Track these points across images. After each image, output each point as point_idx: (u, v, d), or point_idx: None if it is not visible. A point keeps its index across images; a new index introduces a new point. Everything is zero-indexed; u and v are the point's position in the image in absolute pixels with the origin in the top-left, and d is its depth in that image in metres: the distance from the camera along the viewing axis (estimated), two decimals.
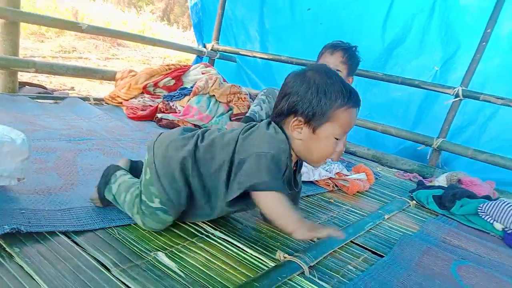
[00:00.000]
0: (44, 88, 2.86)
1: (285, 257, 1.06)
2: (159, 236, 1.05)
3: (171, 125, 2.40)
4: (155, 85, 2.72)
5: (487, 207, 1.70)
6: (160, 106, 2.52)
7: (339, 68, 1.97)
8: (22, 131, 1.09)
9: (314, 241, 1.21)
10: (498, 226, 1.67)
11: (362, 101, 3.32)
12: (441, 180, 2.13)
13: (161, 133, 1.14)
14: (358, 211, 1.60)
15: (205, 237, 1.10)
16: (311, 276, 1.01)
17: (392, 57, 3.05)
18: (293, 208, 0.95)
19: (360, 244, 1.29)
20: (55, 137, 1.69)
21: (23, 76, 3.44)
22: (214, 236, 1.12)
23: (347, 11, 3.17)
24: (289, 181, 1.08)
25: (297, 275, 1.00)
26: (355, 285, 1.00)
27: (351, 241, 1.29)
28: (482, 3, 2.62)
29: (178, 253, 0.99)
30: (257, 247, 1.10)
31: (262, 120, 1.99)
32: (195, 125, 2.49)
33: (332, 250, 1.18)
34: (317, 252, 1.12)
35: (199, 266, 0.95)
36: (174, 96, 2.61)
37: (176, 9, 12.88)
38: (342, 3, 3.19)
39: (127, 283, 0.81)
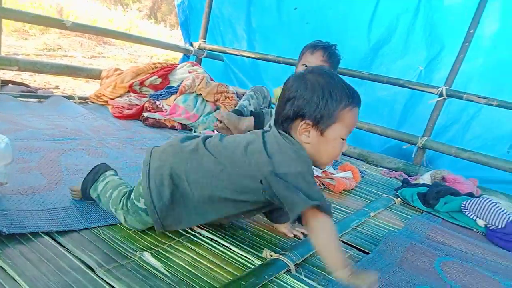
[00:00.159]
0: (28, 86, 2.81)
1: (271, 255, 1.06)
2: (145, 236, 1.05)
3: (157, 124, 2.38)
4: (141, 84, 2.70)
5: (470, 204, 1.73)
6: (146, 105, 2.50)
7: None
8: (4, 131, 1.07)
9: (300, 239, 1.22)
10: (481, 222, 1.70)
11: None
12: (426, 178, 2.17)
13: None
14: (344, 209, 1.62)
15: (191, 237, 1.10)
16: (297, 274, 1.02)
17: (378, 56, 3.08)
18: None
19: (346, 241, 1.30)
20: (39, 137, 1.66)
21: (6, 74, 3.38)
22: (201, 235, 1.12)
23: (334, 10, 3.19)
24: None
25: (284, 273, 1.01)
26: (341, 282, 1.01)
27: None
28: (465, 4, 2.67)
29: (164, 252, 0.98)
30: (243, 246, 1.10)
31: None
32: (182, 124, 2.48)
33: None
34: (303, 250, 1.12)
35: (185, 266, 0.94)
36: (161, 95, 2.60)
37: (163, 7, 12.76)
38: (329, 3, 3.21)
39: (112, 283, 0.80)
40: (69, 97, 2.53)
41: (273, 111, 1.86)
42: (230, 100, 2.66)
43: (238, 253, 1.06)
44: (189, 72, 2.86)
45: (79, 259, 0.87)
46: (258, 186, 0.96)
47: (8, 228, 0.89)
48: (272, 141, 1.00)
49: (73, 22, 2.69)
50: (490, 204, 1.69)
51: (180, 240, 1.06)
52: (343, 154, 2.80)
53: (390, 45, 3.03)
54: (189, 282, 0.88)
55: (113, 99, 2.60)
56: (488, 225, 1.67)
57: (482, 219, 1.69)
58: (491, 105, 2.38)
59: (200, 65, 3.35)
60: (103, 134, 1.95)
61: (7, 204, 1.02)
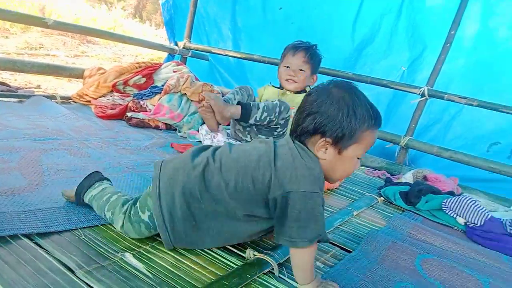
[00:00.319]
0: (8, 85, 2.74)
1: (254, 255, 1.06)
2: (126, 237, 1.04)
3: (141, 124, 2.36)
4: (125, 83, 2.67)
5: (450, 203, 1.77)
6: (130, 104, 2.48)
7: (303, 68, 2.01)
8: None
9: None
10: (461, 220, 1.73)
11: None
12: (408, 177, 2.20)
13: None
14: (328, 208, 1.63)
15: None
16: (280, 275, 1.02)
17: (362, 57, 3.12)
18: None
19: (330, 240, 1.31)
20: (19, 137, 1.63)
21: None
22: None
23: (318, 10, 3.21)
24: None
25: (267, 273, 1.01)
26: None
27: None
28: (447, 5, 2.72)
29: (146, 253, 0.98)
30: (227, 246, 1.10)
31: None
32: (166, 124, 2.46)
33: None
34: (286, 249, 1.13)
35: (168, 266, 0.94)
36: (145, 94, 2.57)
37: (148, 6, 12.64)
38: (313, 3, 3.23)
39: (92, 285, 0.80)
40: (51, 97, 2.49)
41: (261, 104, 1.85)
42: None
43: (221, 254, 1.06)
44: (174, 71, 2.84)
45: (59, 261, 0.86)
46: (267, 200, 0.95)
47: None
48: (285, 154, 0.96)
49: (54, 20, 2.64)
50: (470, 202, 1.73)
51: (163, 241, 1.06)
52: None
53: (374, 45, 3.06)
54: (171, 282, 0.88)
55: (96, 98, 2.56)
56: (468, 223, 1.71)
57: (462, 217, 1.73)
58: (471, 105, 2.43)
59: (185, 64, 3.33)
60: (85, 134, 1.92)
61: None
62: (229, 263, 1.02)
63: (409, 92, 2.65)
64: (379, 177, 2.47)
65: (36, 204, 1.09)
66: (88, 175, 1.15)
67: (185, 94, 2.58)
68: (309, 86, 2.15)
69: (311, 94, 0.99)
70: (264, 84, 2.27)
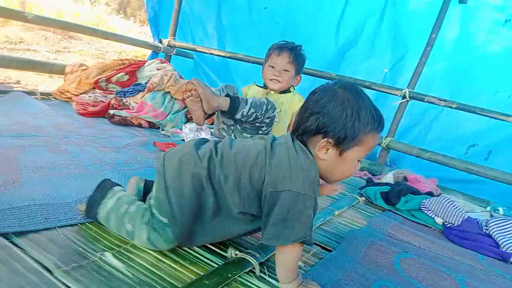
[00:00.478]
0: None
1: (236, 254, 1.06)
2: (107, 236, 1.02)
3: (123, 122, 2.33)
4: (108, 80, 2.64)
5: (429, 203, 1.81)
6: (112, 102, 2.45)
7: (287, 68, 2.02)
8: None
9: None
10: (439, 220, 1.78)
11: None
12: (389, 177, 2.24)
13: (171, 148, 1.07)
14: None
15: None
16: (261, 274, 1.02)
17: (345, 58, 3.16)
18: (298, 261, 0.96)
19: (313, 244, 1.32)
20: None
21: None
22: None
23: (303, 11, 3.23)
24: None
25: (248, 272, 1.01)
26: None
27: None
28: (428, 9, 2.77)
29: (126, 253, 0.97)
30: (208, 245, 1.10)
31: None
32: (149, 122, 2.44)
33: None
34: (268, 249, 1.13)
35: (148, 266, 0.93)
36: (128, 92, 2.55)
37: (133, 2, 12.47)
38: (298, 4, 3.25)
39: (70, 285, 0.78)
40: (30, 93, 2.43)
41: (249, 100, 1.83)
42: None
43: (202, 253, 1.06)
44: (158, 69, 2.82)
45: (36, 261, 0.84)
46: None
47: None
48: (282, 153, 0.94)
49: (35, 14, 2.58)
50: (448, 202, 1.77)
51: None
52: None
53: (357, 47, 3.11)
54: (151, 282, 0.87)
55: (77, 95, 2.52)
56: (446, 223, 1.75)
57: (440, 217, 1.77)
58: (451, 107, 2.49)
59: (169, 62, 3.31)
60: (65, 131, 1.89)
61: None
62: (210, 262, 1.02)
63: (391, 94, 2.69)
64: (360, 177, 2.50)
65: (12, 202, 1.06)
66: (98, 185, 1.09)
67: (169, 92, 2.56)
68: (293, 86, 2.16)
69: (315, 93, 0.98)
70: (249, 83, 2.27)
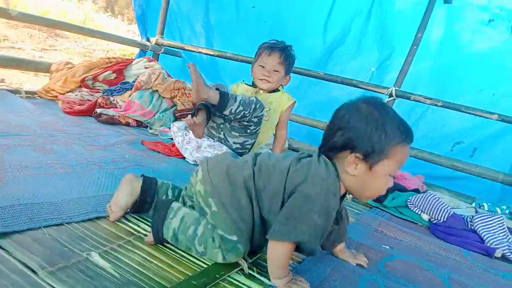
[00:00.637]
0: None
1: None
2: (93, 236, 1.01)
3: (111, 121, 2.31)
4: (94, 78, 2.61)
5: (415, 200, 1.83)
6: (99, 100, 2.42)
7: (277, 69, 2.02)
8: None
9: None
10: (425, 216, 1.80)
11: (305, 99, 3.43)
12: None
13: (205, 160, 1.08)
14: None
15: (142, 236, 1.08)
16: (250, 272, 1.03)
17: (333, 57, 3.17)
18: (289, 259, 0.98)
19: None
20: None
21: None
22: None
23: (291, 11, 3.24)
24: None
25: (237, 271, 1.01)
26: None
27: None
28: (414, 8, 2.81)
29: (113, 252, 0.96)
30: None
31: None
32: (137, 121, 2.42)
33: None
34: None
35: (135, 266, 0.93)
36: (115, 90, 2.52)
37: (120, 0, 12.34)
38: (286, 3, 3.26)
39: (55, 285, 0.77)
40: (15, 91, 2.39)
41: (238, 97, 1.81)
42: (188, 97, 2.63)
43: (191, 253, 1.05)
44: (146, 67, 2.80)
45: (20, 262, 0.83)
46: None
47: None
48: (304, 162, 0.98)
49: (19, 11, 2.54)
50: (434, 199, 1.79)
51: (131, 239, 1.04)
52: (299, 151, 2.88)
53: (345, 46, 3.13)
54: (139, 282, 0.87)
55: (63, 94, 2.49)
56: (432, 219, 1.78)
57: (426, 213, 1.80)
58: (436, 105, 2.53)
59: (157, 61, 3.29)
60: (51, 130, 1.86)
61: None
62: (198, 262, 1.01)
63: (378, 92, 2.72)
64: None
65: None
66: (155, 208, 1.08)
67: (157, 90, 2.54)
68: (282, 85, 2.17)
69: (340, 110, 0.98)
70: (237, 81, 2.27)
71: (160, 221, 1.03)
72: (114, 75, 2.69)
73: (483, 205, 2.22)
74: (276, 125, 2.14)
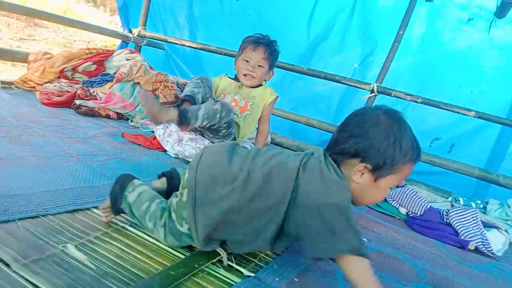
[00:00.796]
0: None
1: None
2: (69, 228, 1.00)
3: (90, 113, 2.27)
4: (74, 69, 2.55)
5: (394, 194, 1.87)
6: (79, 92, 2.37)
7: (262, 64, 2.01)
8: None
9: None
10: (403, 210, 1.84)
11: (289, 94, 3.42)
12: None
13: (204, 148, 1.06)
14: None
15: (120, 228, 1.07)
16: (229, 262, 1.03)
17: (316, 52, 3.19)
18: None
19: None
20: None
21: None
22: (131, 226, 1.09)
23: (275, 5, 3.24)
24: None
25: (215, 262, 1.01)
26: (270, 268, 1.04)
27: None
28: (397, 5, 2.84)
29: (89, 244, 0.95)
30: None
31: (202, 102, 1.89)
32: (117, 113, 2.38)
33: None
34: None
35: (112, 257, 0.92)
36: (95, 82, 2.48)
37: None
38: None
39: (28, 278, 0.76)
40: None
41: (200, 113, 1.72)
42: (170, 89, 2.60)
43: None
44: (127, 59, 2.75)
45: None
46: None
47: None
48: (314, 168, 0.95)
49: None
50: (412, 193, 1.83)
51: (108, 231, 1.03)
52: (282, 146, 2.89)
53: (328, 42, 3.14)
54: (115, 274, 0.86)
55: (41, 84, 2.43)
56: (409, 213, 1.81)
57: (404, 207, 1.83)
58: (416, 102, 2.57)
59: (140, 53, 3.24)
60: (28, 121, 1.82)
61: None
62: (177, 253, 1.01)
63: (360, 88, 2.75)
64: None
65: None
66: (116, 179, 1.08)
67: (139, 83, 2.51)
68: (265, 80, 2.16)
69: (357, 116, 0.97)
70: (220, 75, 2.26)
71: (118, 191, 1.05)
72: (95, 66, 2.64)
73: (459, 200, 2.28)
74: (259, 119, 2.14)
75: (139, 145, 1.94)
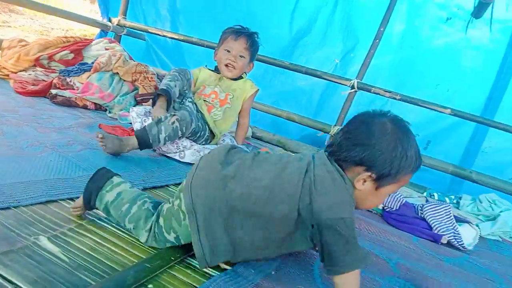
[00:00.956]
0: None
1: None
2: (42, 220, 0.98)
3: (67, 103, 2.21)
4: (50, 58, 2.48)
5: None
6: (55, 81, 2.31)
7: (243, 54, 2.01)
8: None
9: None
10: (379, 205, 1.87)
11: (270, 88, 3.42)
12: None
13: (195, 166, 1.01)
14: None
15: (96, 220, 1.05)
16: None
17: (299, 46, 3.20)
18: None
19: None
20: None
21: None
22: (107, 218, 1.07)
23: None
24: None
25: (191, 255, 1.00)
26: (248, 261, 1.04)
27: None
28: (378, 2, 2.86)
29: (63, 236, 0.93)
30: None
31: (179, 95, 1.86)
32: (95, 104, 2.33)
33: None
34: None
35: (86, 250, 0.90)
36: (72, 71, 2.41)
37: None
38: None
39: None
40: None
41: (162, 136, 1.66)
42: (150, 81, 2.56)
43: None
44: (106, 49, 2.69)
45: None
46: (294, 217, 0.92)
47: None
48: (325, 178, 0.92)
49: None
50: None
51: (83, 223, 1.01)
52: (262, 140, 2.89)
53: (311, 36, 3.15)
54: (89, 266, 0.85)
55: (15, 73, 2.35)
56: (385, 207, 1.85)
57: None
58: (395, 99, 2.62)
59: (119, 43, 3.18)
60: (1, 110, 1.76)
61: None
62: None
63: (341, 83, 2.77)
64: None
65: None
66: (93, 175, 1.03)
67: (117, 73, 2.46)
68: (245, 73, 2.16)
69: (363, 123, 0.94)
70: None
71: (94, 189, 1.01)
72: (72, 55, 2.58)
73: (433, 195, 2.34)
74: (239, 113, 2.14)
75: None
